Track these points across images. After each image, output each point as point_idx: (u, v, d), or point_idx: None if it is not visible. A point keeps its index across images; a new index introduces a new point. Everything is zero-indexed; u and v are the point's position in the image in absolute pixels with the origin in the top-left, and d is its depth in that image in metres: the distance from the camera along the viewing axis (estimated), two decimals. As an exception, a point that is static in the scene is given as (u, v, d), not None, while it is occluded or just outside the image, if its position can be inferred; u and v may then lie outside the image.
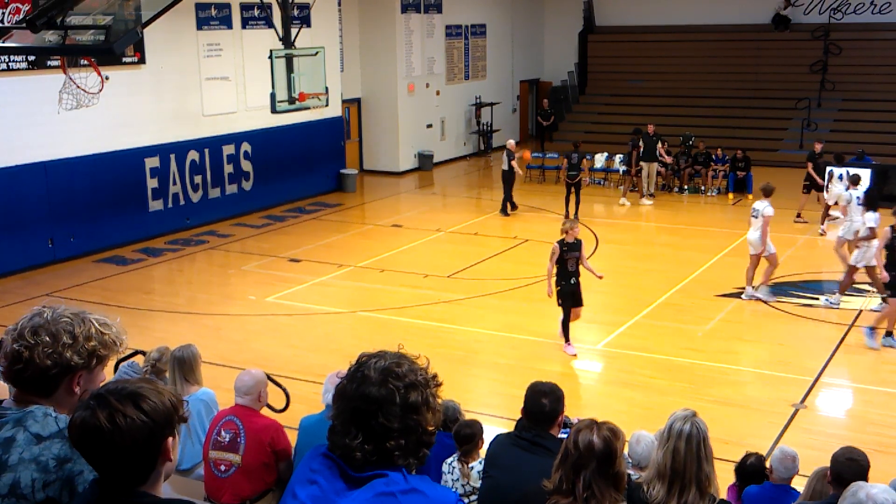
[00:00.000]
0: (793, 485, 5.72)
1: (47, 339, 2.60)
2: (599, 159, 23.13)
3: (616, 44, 29.15)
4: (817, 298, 13.43)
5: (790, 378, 10.49)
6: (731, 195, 20.95)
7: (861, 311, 12.84)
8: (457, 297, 13.79)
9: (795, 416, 9.50)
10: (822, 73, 25.92)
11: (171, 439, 2.34)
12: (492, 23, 28.24)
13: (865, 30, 25.95)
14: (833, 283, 13.95)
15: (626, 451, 4.76)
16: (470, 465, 5.65)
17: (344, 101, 22.94)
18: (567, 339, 11.41)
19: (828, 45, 25.89)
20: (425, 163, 25.18)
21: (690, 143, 22.17)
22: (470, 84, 27.37)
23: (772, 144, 24.55)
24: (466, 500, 5.52)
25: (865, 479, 5.01)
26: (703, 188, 21.51)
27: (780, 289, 13.94)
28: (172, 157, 17.92)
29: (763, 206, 13.04)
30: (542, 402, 4.17)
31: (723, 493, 6.27)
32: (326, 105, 18.47)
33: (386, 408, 2.31)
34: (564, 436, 3.65)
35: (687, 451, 3.67)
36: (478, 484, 5.42)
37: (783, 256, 15.83)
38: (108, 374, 2.88)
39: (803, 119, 25.08)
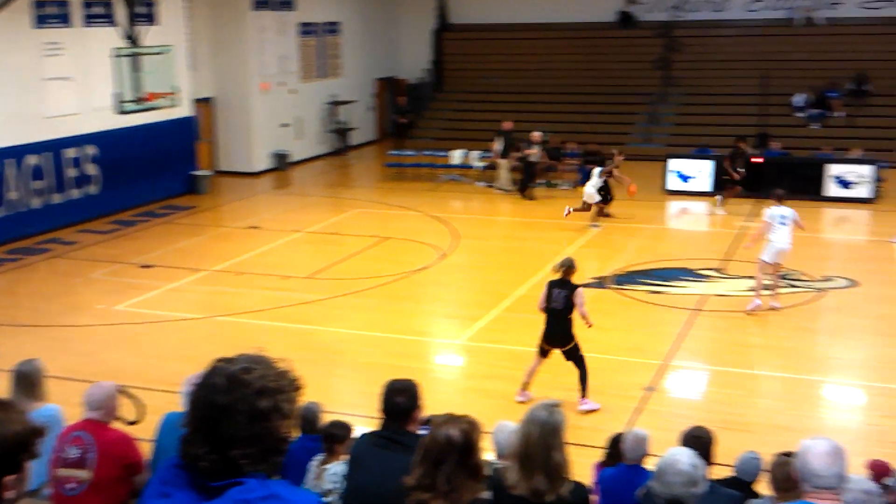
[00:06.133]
0: (645, 465, 5.94)
1: None
2: (457, 156, 23.38)
3: (470, 41, 29.52)
4: (667, 286, 14.02)
5: (641, 363, 10.90)
6: (583, 188, 21.52)
7: (705, 295, 13.47)
8: (318, 298, 13.65)
9: (646, 399, 9.89)
10: (665, 69, 27.03)
11: (8, 478, 2.17)
12: (346, 20, 28.07)
13: (704, 27, 27.22)
14: (682, 271, 14.66)
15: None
16: (324, 467, 5.61)
17: (195, 101, 22.30)
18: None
19: (670, 42, 27.01)
20: (282, 163, 24.79)
21: (543, 138, 22.67)
22: (325, 82, 27.13)
23: (620, 139, 25.37)
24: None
25: (709, 455, 5.27)
26: (556, 182, 22.07)
27: (630, 277, 14.47)
28: (10, 162, 16.96)
29: (790, 210, 12.67)
30: (397, 400, 4.18)
31: (589, 472, 6.46)
32: (177, 105, 17.94)
33: (232, 416, 2.24)
34: (426, 432, 3.68)
35: (538, 437, 3.77)
36: (329, 486, 5.39)
37: (632, 246, 16.48)
38: None
39: (649, 114, 26.11)
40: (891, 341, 11.51)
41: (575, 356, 9.59)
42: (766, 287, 12.68)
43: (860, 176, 19.48)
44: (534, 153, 20.59)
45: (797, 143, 22.38)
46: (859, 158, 20.17)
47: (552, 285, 9.54)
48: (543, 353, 9.71)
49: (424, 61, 30.43)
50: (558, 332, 9.53)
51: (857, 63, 25.05)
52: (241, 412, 2.25)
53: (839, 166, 19.59)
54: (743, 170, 18.76)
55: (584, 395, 9.54)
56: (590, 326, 9.66)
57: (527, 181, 20.78)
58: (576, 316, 9.50)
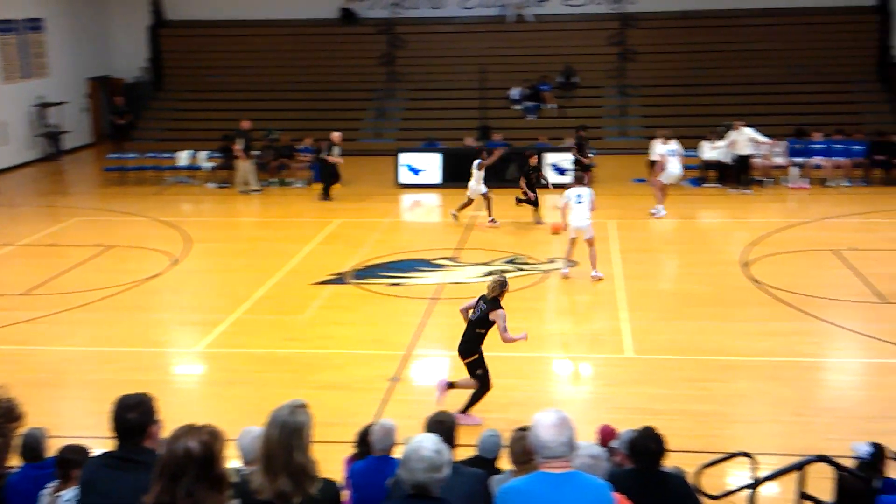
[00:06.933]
0: (394, 455, 6.01)
1: None
2: (184, 157, 22.53)
3: (190, 38, 28.52)
4: (405, 277, 14.31)
5: (385, 354, 11.05)
6: (317, 185, 21.50)
7: (442, 284, 13.90)
8: (38, 315, 12.63)
9: (392, 390, 10.04)
10: (390, 65, 27.57)
11: None
12: (50, 16, 26.08)
13: (424, 23, 28.04)
14: (418, 262, 15.03)
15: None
16: (58, 495, 5.20)
17: None
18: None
19: (392, 38, 27.59)
20: (-14, 171, 22.68)
21: (273, 136, 22.41)
22: (30, 83, 25.09)
23: (351, 134, 25.59)
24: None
25: (452, 438, 5.43)
26: (289, 180, 21.87)
27: (370, 271, 14.63)
28: None
29: (587, 191, 13.98)
30: (129, 416, 3.95)
31: (339, 466, 6.43)
32: None
33: None
34: None
35: (279, 438, 3.72)
36: None
37: (370, 241, 16.68)
38: None
39: (377, 109, 26.53)
40: (609, 315, 12.45)
41: (474, 373, 9.16)
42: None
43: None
44: (334, 154, 20.00)
45: (516, 135, 23.63)
46: (572, 146, 21.64)
47: (481, 298, 9.19)
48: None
49: (141, 59, 28.98)
50: (463, 342, 9.19)
51: (565, 57, 26.91)
52: None
53: (554, 155, 20.92)
54: (592, 155, 19.59)
55: (465, 410, 9.11)
56: (524, 339, 9.27)
57: (329, 182, 20.10)
58: (489, 334, 9.14)
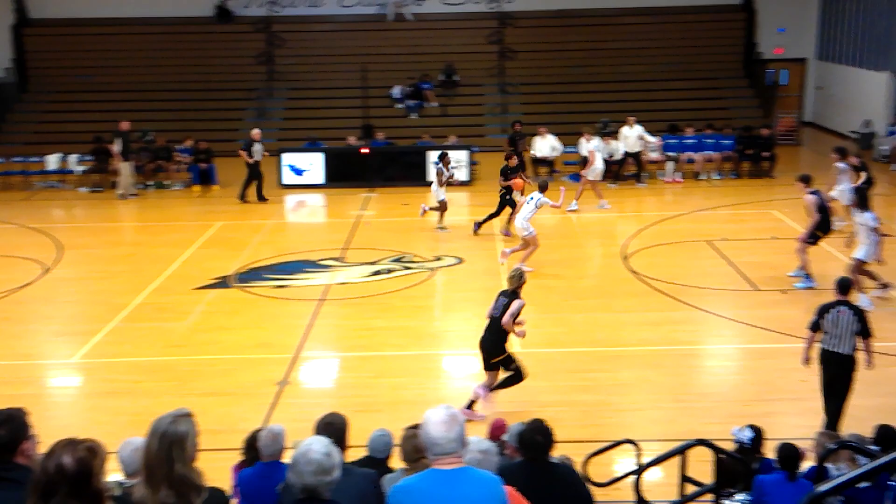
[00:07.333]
0: (284, 460, 5.90)
1: None
2: (53, 161, 21.61)
3: (57, 37, 27.33)
4: (291, 279, 14.10)
5: (273, 358, 10.87)
6: (196, 187, 21.01)
7: (328, 284, 13.77)
8: None
9: (280, 394, 9.88)
10: (268, 64, 27.12)
11: None
12: None
13: (302, 22, 27.69)
14: (304, 263, 14.84)
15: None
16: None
17: None
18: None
19: (270, 37, 27.14)
20: None
21: (148, 138, 21.73)
22: None
23: (230, 135, 25.06)
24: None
25: (343, 440, 5.38)
26: (167, 182, 21.28)
27: (254, 273, 14.36)
28: None
29: (537, 195, 14.10)
30: (-2, 434, 3.74)
31: (227, 475, 6.28)
32: None
33: None
34: None
35: (158, 449, 3.61)
36: None
37: (254, 243, 16.39)
38: None
39: (256, 109, 26.07)
40: (495, 309, 12.59)
41: (508, 367, 9.28)
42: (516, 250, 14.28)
43: (457, 161, 21.03)
44: (255, 152, 19.28)
45: (399, 133, 23.63)
46: (455, 145, 21.78)
47: (501, 294, 9.40)
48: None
49: (4, 59, 27.60)
50: (487, 339, 9.30)
51: (445, 56, 27.06)
52: None
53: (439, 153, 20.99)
54: (525, 152, 19.58)
55: (493, 389, 9.29)
56: (521, 336, 9.42)
57: (255, 182, 19.41)
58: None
